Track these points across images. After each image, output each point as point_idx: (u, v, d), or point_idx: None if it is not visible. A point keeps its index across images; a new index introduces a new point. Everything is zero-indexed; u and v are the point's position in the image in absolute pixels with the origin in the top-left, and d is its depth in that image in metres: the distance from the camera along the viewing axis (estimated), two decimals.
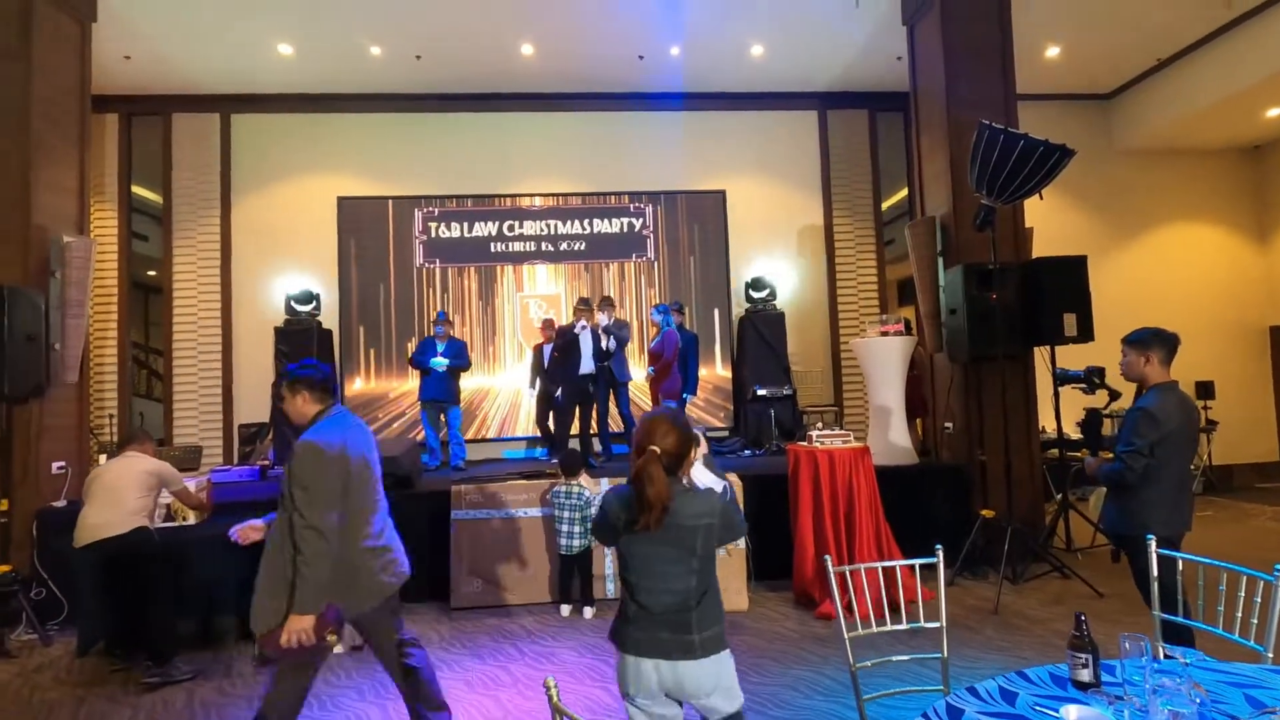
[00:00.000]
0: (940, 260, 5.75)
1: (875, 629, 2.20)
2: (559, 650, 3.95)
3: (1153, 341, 2.98)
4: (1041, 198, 4.78)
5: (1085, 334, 5.13)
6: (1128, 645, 1.61)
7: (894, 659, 2.31)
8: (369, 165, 7.67)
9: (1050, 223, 6.96)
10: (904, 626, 2.22)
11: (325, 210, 7.51)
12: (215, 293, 7.47)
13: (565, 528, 4.52)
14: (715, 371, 7.68)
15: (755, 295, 7.41)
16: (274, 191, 7.60)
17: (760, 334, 7.27)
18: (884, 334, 5.75)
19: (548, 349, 6.60)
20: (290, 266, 7.46)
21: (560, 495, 4.58)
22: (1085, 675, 1.66)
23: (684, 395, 6.57)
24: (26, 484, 4.78)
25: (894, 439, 5.55)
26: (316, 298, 7.08)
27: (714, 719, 1.81)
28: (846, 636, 2.13)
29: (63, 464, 5.09)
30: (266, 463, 6.40)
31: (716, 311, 7.78)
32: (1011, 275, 5.20)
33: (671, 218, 7.81)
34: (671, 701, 1.80)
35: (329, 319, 7.29)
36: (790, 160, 8.11)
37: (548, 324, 6.80)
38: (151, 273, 7.56)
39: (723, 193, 7.92)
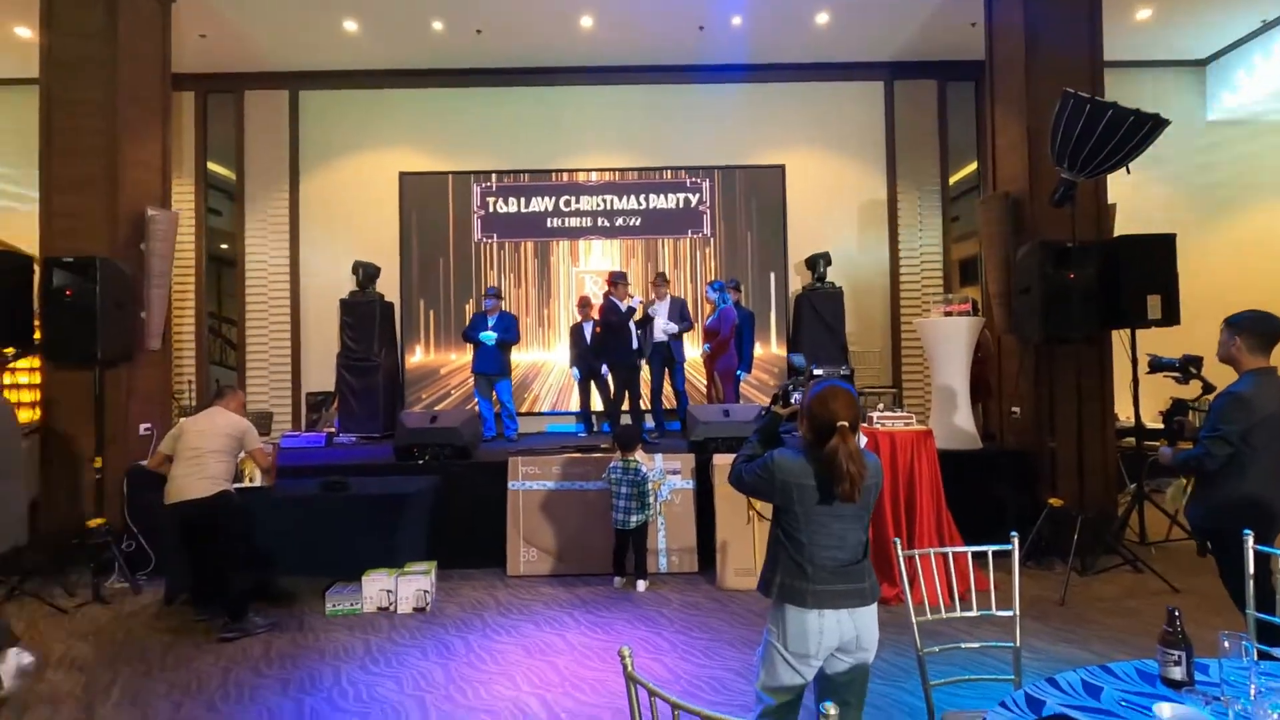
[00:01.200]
0: (1013, 237, 5.49)
1: (944, 614, 2.15)
2: (613, 621, 4.01)
3: (1244, 323, 2.79)
4: (1129, 172, 4.50)
5: (1171, 317, 4.83)
6: (1227, 644, 1.52)
7: (962, 646, 2.25)
8: (429, 140, 7.78)
9: (1134, 198, 6.56)
10: (974, 613, 2.16)
11: (388, 185, 7.66)
12: (284, 266, 7.75)
13: (622, 503, 4.50)
14: (770, 350, 7.57)
15: (813, 272, 7.24)
16: (339, 167, 7.80)
17: (817, 312, 7.12)
18: (949, 314, 5.55)
19: (587, 327, 6.59)
20: (355, 240, 7.66)
21: (617, 471, 4.54)
22: (1178, 673, 1.58)
23: (739, 373, 6.50)
24: (117, 443, 5.10)
25: (958, 422, 5.39)
26: (378, 270, 7.26)
27: (851, 672, 1.92)
28: (915, 621, 2.08)
29: (149, 425, 5.40)
30: (333, 430, 6.66)
31: (773, 289, 7.65)
32: (1091, 254, 4.92)
33: (729, 193, 7.68)
34: (836, 658, 1.91)
35: (391, 292, 7.47)
36: (853, 133, 7.85)
37: (584, 302, 6.79)
38: (224, 246, 7.89)
39: (782, 167, 7.73)
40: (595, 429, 6.92)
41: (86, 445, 4.92)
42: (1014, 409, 5.62)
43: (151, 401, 5.51)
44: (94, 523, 4.73)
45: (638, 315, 5.96)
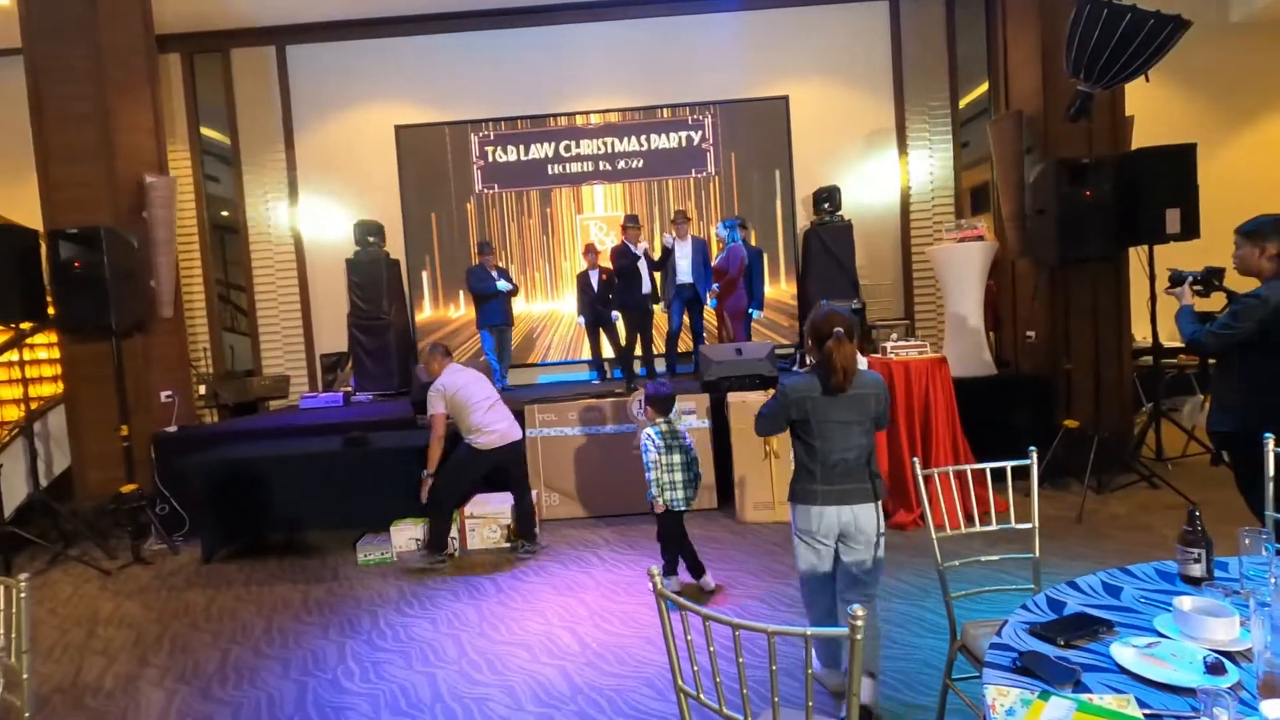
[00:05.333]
0: (1027, 157, 5.34)
1: (964, 529, 2.18)
2: (638, 558, 4.11)
3: (1271, 232, 2.72)
4: (1148, 79, 4.33)
5: (1190, 230, 4.72)
6: (1248, 541, 1.54)
7: (981, 559, 2.29)
8: (424, 91, 7.59)
9: (1152, 109, 6.32)
10: (994, 527, 2.19)
11: (384, 140, 7.51)
12: (287, 228, 7.70)
13: (680, 475, 3.47)
14: (780, 287, 7.51)
15: (821, 206, 7.11)
16: (334, 123, 7.65)
17: (826, 246, 7.01)
18: (961, 240, 5.46)
19: (593, 274, 6.53)
20: (355, 198, 7.58)
21: (658, 438, 3.48)
22: (1197, 570, 1.60)
23: (750, 312, 6.47)
24: (141, 411, 5.18)
25: (972, 349, 5.36)
26: (381, 228, 7.21)
27: (862, 560, 2.31)
28: (935, 536, 2.12)
29: (170, 393, 5.48)
30: (349, 389, 6.74)
31: (780, 225, 7.54)
32: (1107, 169, 4.79)
33: (731, 129, 7.48)
34: (847, 546, 2.32)
35: (395, 248, 7.43)
36: (858, 59, 7.57)
37: (589, 249, 6.71)
38: (225, 214, 7.83)
39: (785, 98, 7.49)
40: (608, 375, 6.95)
41: (110, 414, 5.01)
42: (1029, 333, 5.58)
43: (170, 369, 5.58)
44: (127, 488, 4.86)
45: (655, 254, 5.91)
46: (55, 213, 5.08)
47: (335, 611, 3.65)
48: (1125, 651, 1.33)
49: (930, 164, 7.65)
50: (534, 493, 4.79)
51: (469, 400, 4.16)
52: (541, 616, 3.40)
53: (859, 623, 1.10)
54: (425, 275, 7.59)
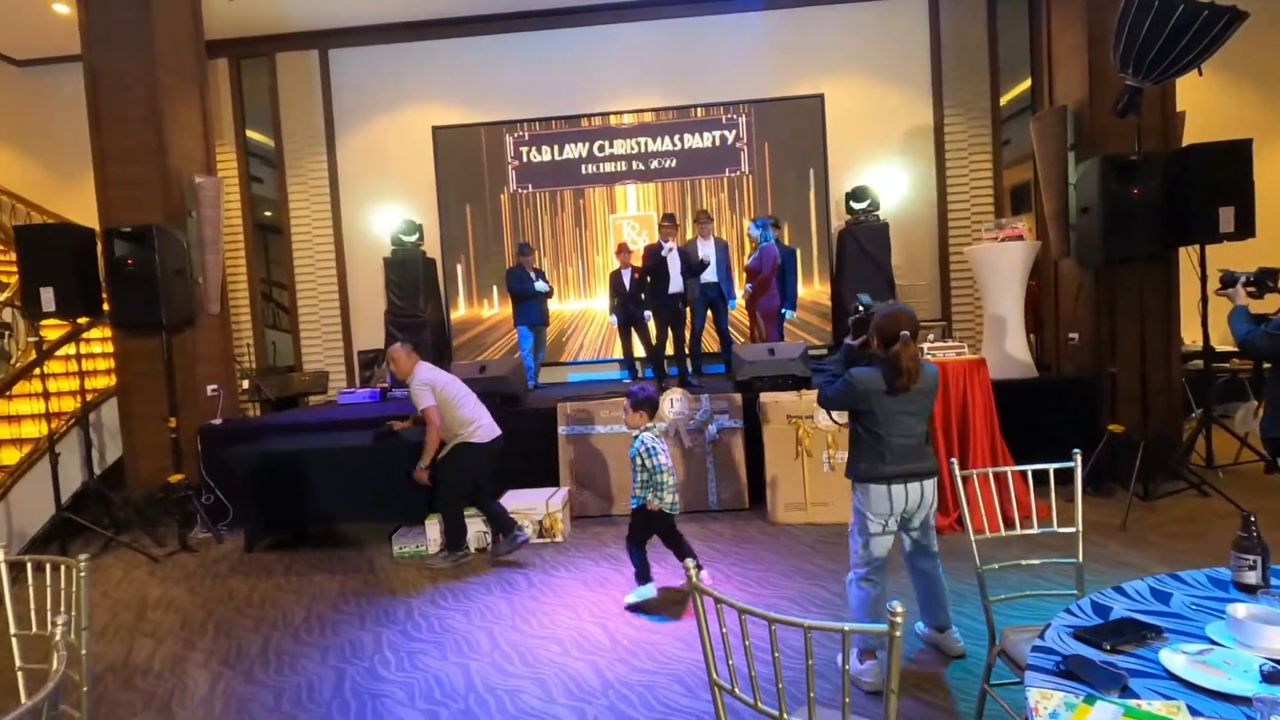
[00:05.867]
0: (1071, 154, 5.21)
1: (1003, 533, 2.14)
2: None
3: None
4: (1200, 73, 4.17)
5: (1245, 229, 4.55)
6: None
7: (1022, 563, 2.24)
8: (460, 92, 7.70)
9: (1204, 104, 6.10)
10: (1035, 531, 2.14)
11: (422, 140, 7.65)
12: (328, 228, 7.88)
13: (674, 478, 3.51)
14: (813, 287, 7.44)
15: (856, 206, 7.02)
16: (373, 125, 7.81)
17: (862, 246, 6.92)
18: (1003, 239, 5.34)
19: (625, 274, 6.55)
20: (393, 198, 7.73)
21: (652, 440, 3.49)
22: (1252, 577, 1.55)
23: (783, 312, 6.42)
24: (188, 404, 5.35)
25: (1011, 351, 5.24)
26: (419, 228, 7.34)
27: (925, 525, 2.64)
28: (974, 539, 2.08)
29: (215, 387, 5.66)
30: (385, 385, 6.87)
31: (813, 224, 7.46)
32: (1157, 166, 4.64)
33: (765, 127, 7.44)
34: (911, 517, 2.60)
35: (432, 247, 7.55)
36: (896, 56, 7.46)
37: (621, 248, 6.73)
38: (268, 214, 8.05)
39: (820, 96, 7.43)
40: (639, 374, 6.96)
41: (160, 407, 5.18)
42: (1071, 335, 5.43)
43: (215, 364, 5.76)
44: (175, 478, 5.02)
45: (695, 256, 5.88)
46: (110, 212, 5.28)
47: (371, 602, 3.72)
48: (1175, 658, 1.30)
49: (969, 163, 7.50)
50: (564, 490, 4.83)
51: (455, 396, 4.16)
52: (572, 611, 3.42)
53: (898, 619, 1.08)
54: (460, 273, 7.70)
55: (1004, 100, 7.45)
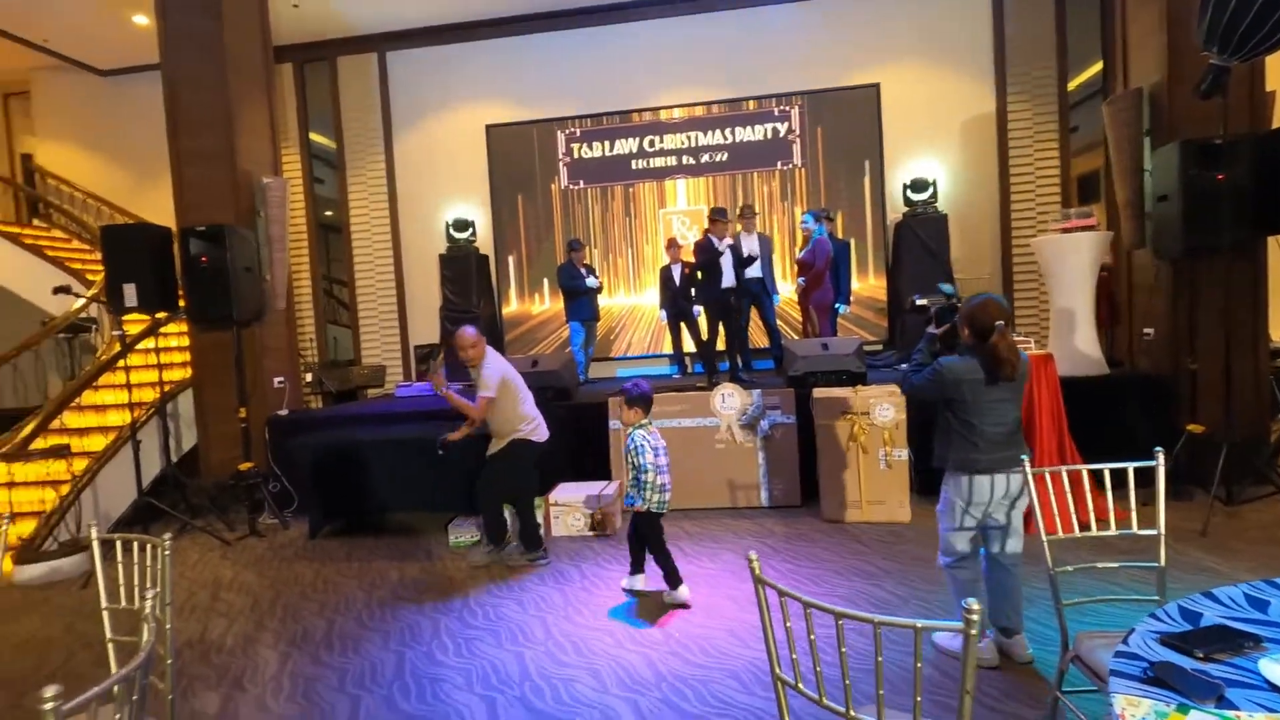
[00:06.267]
0: (1147, 139, 4.94)
1: (1077, 533, 2.04)
2: (719, 551, 4.09)
3: None
4: None
5: None
6: None
7: (1098, 565, 2.14)
8: (513, 91, 7.80)
9: None
10: (1113, 533, 2.04)
11: (476, 139, 7.79)
12: (385, 226, 8.11)
13: (667, 478, 3.43)
14: (868, 281, 7.27)
15: (915, 197, 6.83)
16: (429, 125, 7.99)
17: (919, 239, 6.73)
18: (1071, 229, 5.11)
19: (675, 269, 6.52)
20: (448, 196, 7.89)
21: (650, 437, 3.42)
22: None
23: (836, 306, 6.30)
24: (257, 396, 5.59)
25: (1081, 346, 5.01)
26: (472, 225, 7.48)
27: (1014, 513, 2.58)
28: (1045, 539, 1.99)
29: (281, 379, 5.89)
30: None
31: (868, 217, 7.29)
32: (1243, 150, 4.35)
33: (819, 119, 7.30)
34: (1002, 504, 2.55)
35: (485, 244, 7.69)
36: (956, 41, 7.22)
37: (671, 243, 6.70)
38: (329, 213, 8.33)
39: (876, 86, 7.25)
40: (689, 370, 6.94)
41: (230, 398, 5.43)
42: (1146, 330, 5.16)
43: (281, 357, 5.99)
44: (244, 466, 5.26)
45: (746, 254, 5.80)
46: (186, 212, 5.55)
47: (429, 589, 3.82)
48: (1277, 669, 1.21)
49: (1034, 151, 7.20)
50: (616, 483, 4.85)
51: (521, 389, 4.08)
52: (625, 604, 3.43)
53: (974, 617, 1.05)
54: (512, 270, 7.82)
55: (1072, 85, 7.13)
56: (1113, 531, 2.05)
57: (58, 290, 5.34)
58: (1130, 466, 2.04)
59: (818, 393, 4.66)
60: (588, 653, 2.96)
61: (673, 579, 3.38)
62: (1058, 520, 2.06)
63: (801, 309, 6.42)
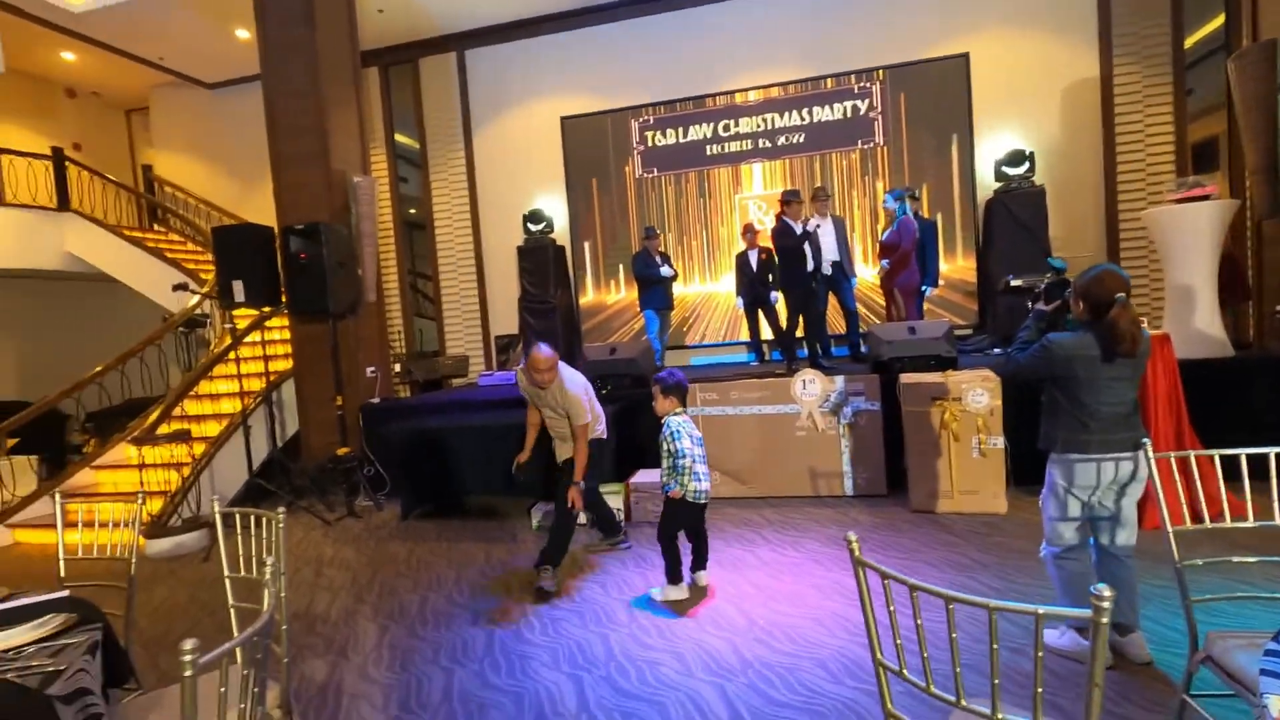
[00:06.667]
0: None
1: (1208, 524, 1.87)
2: (802, 539, 4.01)
3: None
4: None
5: None
6: None
7: (1232, 560, 1.95)
8: (587, 81, 7.86)
9: None
10: (1250, 524, 1.86)
11: (551, 131, 7.90)
12: (466, 221, 8.36)
13: (704, 466, 3.38)
14: (956, 262, 6.93)
15: (1012, 171, 6.43)
16: (506, 120, 8.16)
17: (1013, 215, 6.34)
18: (1188, 199, 4.68)
19: (752, 255, 6.40)
20: (525, 188, 8.05)
21: (687, 425, 3.39)
22: None
23: (923, 288, 6.04)
24: (351, 385, 5.90)
25: (1201, 326, 4.60)
26: (549, 217, 7.60)
27: (1130, 501, 2.41)
28: (1170, 529, 1.84)
29: (373, 369, 6.19)
30: (521, 368, 7.19)
31: (956, 195, 6.94)
32: None
33: (902, 94, 6.99)
34: (1119, 491, 2.40)
35: (561, 235, 7.80)
36: (1054, 3, 6.74)
37: (748, 229, 6.58)
38: (413, 210, 8.67)
39: (965, 56, 6.87)
40: (766, 357, 6.83)
41: (328, 387, 5.74)
42: (1279, 308, 4.68)
43: (373, 348, 6.29)
44: (341, 451, 5.56)
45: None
46: (285, 212, 5.89)
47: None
48: None
49: (1144, 117, 6.64)
50: (717, 475, 4.83)
51: (593, 394, 4.00)
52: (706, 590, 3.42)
53: (1105, 604, 0.97)
54: (588, 260, 7.90)
55: (1189, 43, 6.52)
56: (1250, 523, 1.87)
57: (177, 288, 5.79)
58: (1272, 452, 1.85)
59: (905, 378, 4.48)
60: (671, 636, 2.96)
61: (673, 574, 3.34)
62: (1185, 511, 1.90)
63: (885, 292, 6.18)
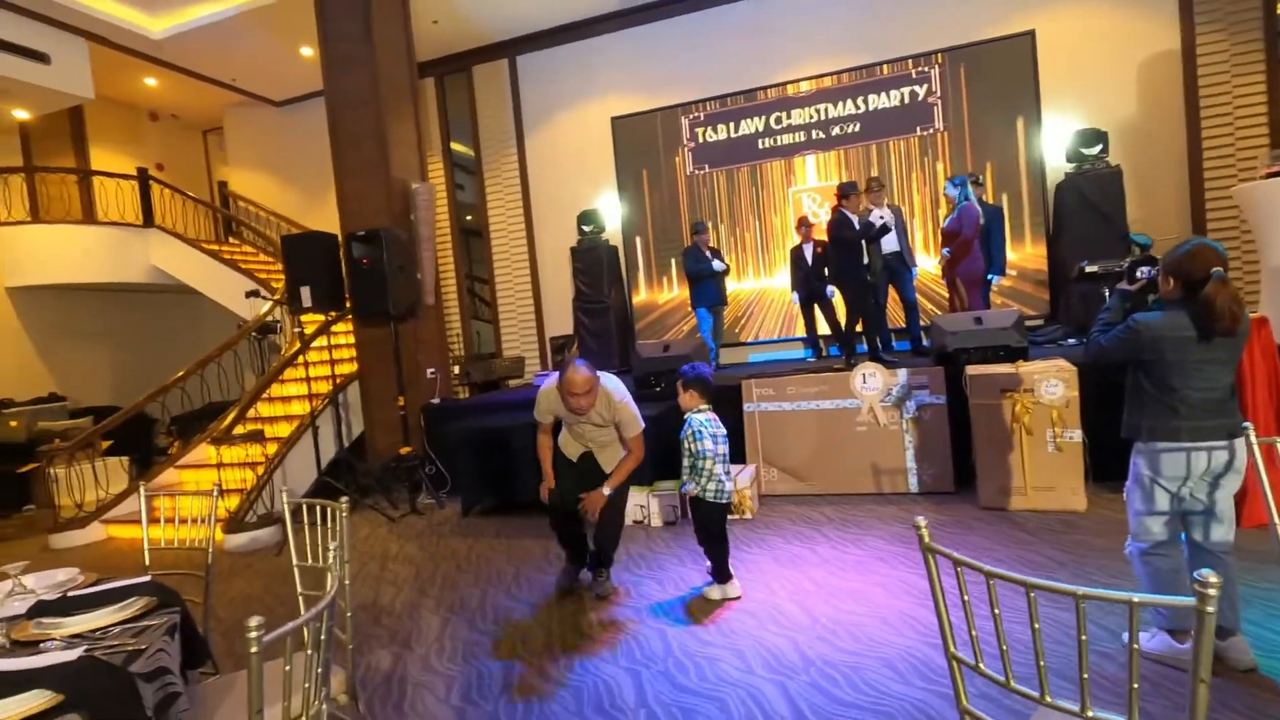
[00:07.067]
0: None
1: None
2: (864, 536, 3.89)
3: None
4: None
5: None
6: None
7: None
8: (637, 81, 7.87)
9: None
10: None
11: (602, 132, 7.95)
12: (520, 224, 8.49)
13: (721, 468, 3.23)
14: (1024, 250, 6.61)
15: (1087, 151, 6.09)
16: (557, 123, 8.25)
17: (1087, 199, 6.01)
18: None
19: (807, 249, 6.26)
20: (577, 189, 8.12)
21: (703, 425, 3.23)
22: None
23: (989, 277, 5.79)
24: (412, 385, 6.06)
25: None
26: (601, 217, 7.64)
27: (1228, 503, 2.24)
28: (1277, 519, 1.68)
29: (433, 370, 6.34)
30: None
31: (1024, 179, 6.62)
32: None
33: (963, 76, 6.73)
34: (1213, 483, 2.23)
35: (613, 235, 7.83)
36: None
37: (803, 222, 6.43)
38: (469, 218, 8.87)
39: (1030, 34, 6.56)
40: (823, 353, 6.67)
41: (390, 388, 5.91)
42: None
43: (433, 350, 6.45)
44: (404, 450, 5.71)
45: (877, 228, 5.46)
46: (348, 219, 6.10)
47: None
48: None
49: (1233, 89, 6.20)
50: (752, 467, 4.76)
51: None
52: (766, 587, 3.34)
53: (1211, 591, 0.88)
54: (640, 259, 7.90)
55: None
56: None
57: (250, 294, 6.08)
58: None
59: (972, 369, 4.29)
60: (730, 633, 2.91)
61: (721, 573, 3.25)
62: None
63: (948, 281, 5.95)
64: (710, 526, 3.27)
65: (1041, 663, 1.07)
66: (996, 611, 1.12)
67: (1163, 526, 2.32)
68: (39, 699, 1.31)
